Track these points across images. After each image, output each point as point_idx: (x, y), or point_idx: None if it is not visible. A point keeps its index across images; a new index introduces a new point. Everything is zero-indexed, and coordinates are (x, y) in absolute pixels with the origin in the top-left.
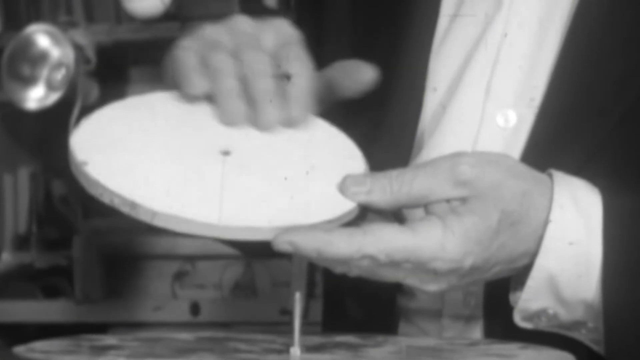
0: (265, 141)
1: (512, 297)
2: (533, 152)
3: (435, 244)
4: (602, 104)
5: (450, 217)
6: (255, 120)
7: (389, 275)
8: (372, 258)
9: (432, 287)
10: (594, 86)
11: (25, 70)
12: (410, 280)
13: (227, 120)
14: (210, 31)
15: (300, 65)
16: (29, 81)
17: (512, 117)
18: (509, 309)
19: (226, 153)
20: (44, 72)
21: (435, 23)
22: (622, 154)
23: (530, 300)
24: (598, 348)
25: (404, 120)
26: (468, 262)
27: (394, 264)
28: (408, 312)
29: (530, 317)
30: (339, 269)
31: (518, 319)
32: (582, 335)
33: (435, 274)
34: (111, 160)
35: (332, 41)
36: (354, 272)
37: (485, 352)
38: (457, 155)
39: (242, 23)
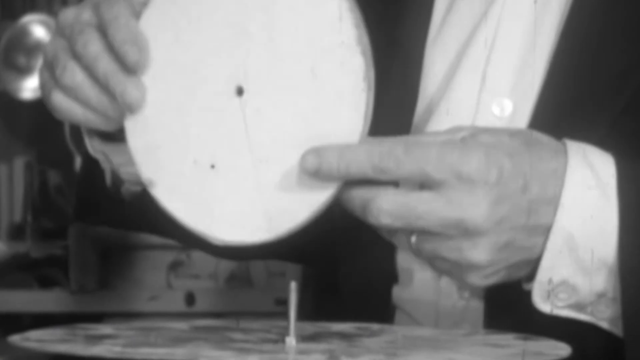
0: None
1: (527, 285)
2: None
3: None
4: (603, 93)
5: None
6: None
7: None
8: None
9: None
10: (594, 75)
11: (21, 60)
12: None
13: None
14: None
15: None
16: (25, 71)
17: (508, 106)
18: (510, 299)
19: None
20: (40, 62)
21: (431, 12)
22: (625, 145)
23: (550, 269)
24: (614, 328)
25: (400, 109)
26: (494, 172)
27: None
28: (404, 302)
29: (549, 293)
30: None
31: (537, 298)
32: (600, 314)
33: (469, 181)
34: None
35: None
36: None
37: (481, 342)
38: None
39: None
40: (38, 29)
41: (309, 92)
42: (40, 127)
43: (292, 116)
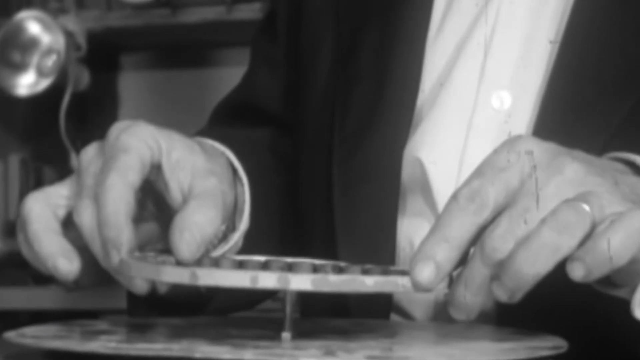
0: None
1: (616, 291)
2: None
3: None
4: (613, 88)
5: None
6: None
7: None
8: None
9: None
10: (602, 68)
11: (16, 56)
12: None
13: None
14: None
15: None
16: (20, 67)
17: (507, 99)
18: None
19: None
20: (35, 59)
21: (431, 8)
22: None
23: None
24: None
25: (401, 105)
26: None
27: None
28: (399, 297)
29: None
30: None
31: (637, 306)
32: None
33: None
34: None
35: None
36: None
37: (478, 337)
38: None
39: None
40: (33, 26)
41: None
42: (35, 123)
43: None
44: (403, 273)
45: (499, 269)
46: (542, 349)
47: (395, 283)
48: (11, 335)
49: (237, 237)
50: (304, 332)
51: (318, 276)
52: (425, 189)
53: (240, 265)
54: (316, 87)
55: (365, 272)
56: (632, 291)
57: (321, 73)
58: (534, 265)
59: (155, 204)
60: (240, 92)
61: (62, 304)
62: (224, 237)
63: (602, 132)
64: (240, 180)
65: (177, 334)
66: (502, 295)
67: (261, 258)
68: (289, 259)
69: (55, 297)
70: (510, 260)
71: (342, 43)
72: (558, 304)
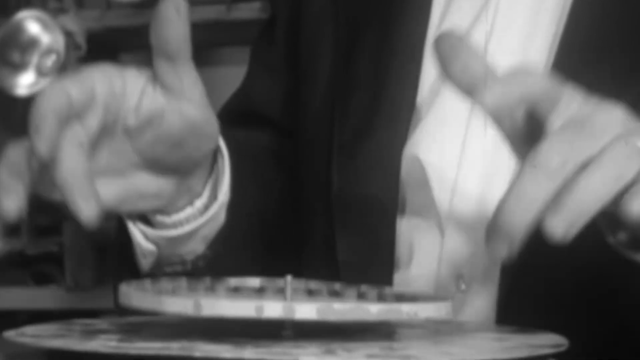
0: None
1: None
2: None
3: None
4: (615, 81)
5: None
6: None
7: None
8: None
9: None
10: (604, 62)
11: (15, 56)
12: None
13: None
14: None
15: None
16: (19, 67)
17: None
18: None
19: None
20: (34, 59)
21: (430, 9)
22: None
23: None
24: None
25: (400, 106)
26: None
27: None
28: None
29: None
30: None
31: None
32: None
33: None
34: None
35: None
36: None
37: (478, 335)
38: None
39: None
40: (32, 25)
41: None
42: None
43: None
44: (399, 297)
45: (555, 199)
46: (542, 347)
47: (399, 311)
48: (11, 334)
49: (216, 207)
50: (304, 331)
51: (323, 305)
52: (424, 187)
53: (236, 290)
54: (316, 89)
55: (362, 295)
56: None
57: (321, 75)
58: (597, 192)
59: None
60: (239, 97)
61: (62, 303)
62: (205, 209)
63: None
64: (220, 151)
65: (176, 333)
66: (559, 229)
67: (255, 281)
68: (281, 281)
69: (55, 297)
70: (572, 185)
71: (342, 44)
72: (559, 302)
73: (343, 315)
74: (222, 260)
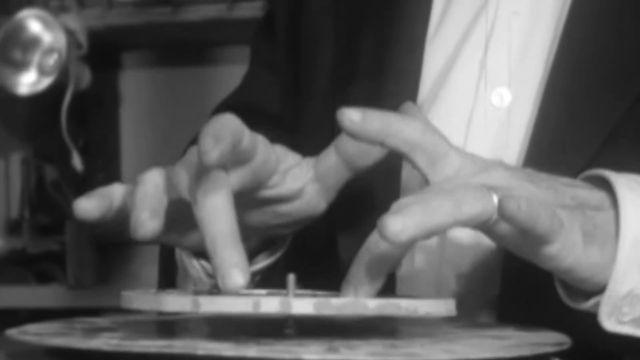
0: None
1: (584, 305)
2: (541, 133)
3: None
4: (614, 83)
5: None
6: None
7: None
8: None
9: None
10: (603, 63)
11: (17, 55)
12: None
13: None
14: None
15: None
16: (21, 66)
17: (507, 96)
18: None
19: None
20: (36, 57)
21: (430, 7)
22: (637, 139)
23: (619, 282)
24: None
25: (401, 100)
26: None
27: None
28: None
29: (614, 310)
30: None
31: (604, 315)
32: None
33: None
34: None
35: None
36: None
37: (480, 334)
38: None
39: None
40: (34, 24)
41: None
42: (36, 122)
43: None
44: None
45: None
46: (545, 345)
47: (397, 306)
48: (13, 332)
49: (278, 254)
50: (306, 329)
51: (320, 300)
52: (424, 186)
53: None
54: (316, 87)
55: None
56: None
57: (321, 73)
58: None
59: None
60: (240, 94)
61: (64, 302)
62: (271, 252)
63: (602, 127)
64: None
65: (179, 331)
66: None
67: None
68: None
69: (57, 295)
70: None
71: (342, 42)
72: (561, 300)
73: (340, 309)
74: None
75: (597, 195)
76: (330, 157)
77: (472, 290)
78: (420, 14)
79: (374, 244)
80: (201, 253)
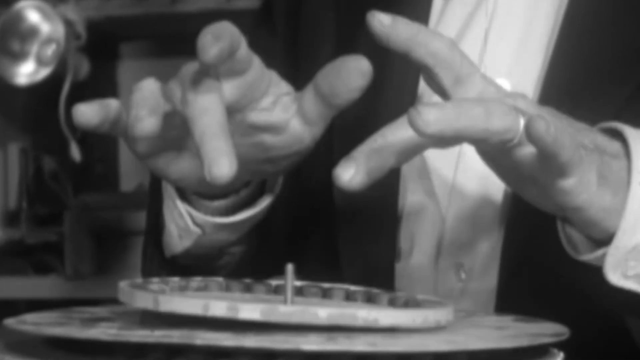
0: None
1: (589, 256)
2: None
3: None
4: (613, 72)
5: None
6: None
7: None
8: None
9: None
10: (603, 52)
11: (15, 45)
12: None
13: None
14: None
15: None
16: (19, 57)
17: (506, 86)
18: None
19: None
20: (34, 48)
21: (430, 3)
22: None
23: (627, 233)
24: None
25: (402, 91)
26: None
27: None
28: (402, 285)
29: (620, 262)
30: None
31: (609, 266)
32: None
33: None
34: None
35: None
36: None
37: (479, 324)
38: None
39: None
40: (33, 14)
41: None
42: (35, 113)
43: None
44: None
45: None
46: (543, 335)
47: (353, 316)
48: (11, 322)
49: (267, 201)
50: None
51: (267, 306)
52: (423, 178)
53: (276, 290)
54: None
55: (371, 298)
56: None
57: (321, 64)
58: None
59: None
60: None
61: (62, 292)
62: (252, 201)
63: (602, 117)
64: None
65: (177, 321)
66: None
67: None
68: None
69: (55, 286)
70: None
71: (342, 33)
72: (559, 290)
73: (288, 317)
74: (247, 256)
75: (614, 145)
76: (309, 94)
77: (470, 281)
78: (420, 6)
79: (392, 131)
80: (188, 200)
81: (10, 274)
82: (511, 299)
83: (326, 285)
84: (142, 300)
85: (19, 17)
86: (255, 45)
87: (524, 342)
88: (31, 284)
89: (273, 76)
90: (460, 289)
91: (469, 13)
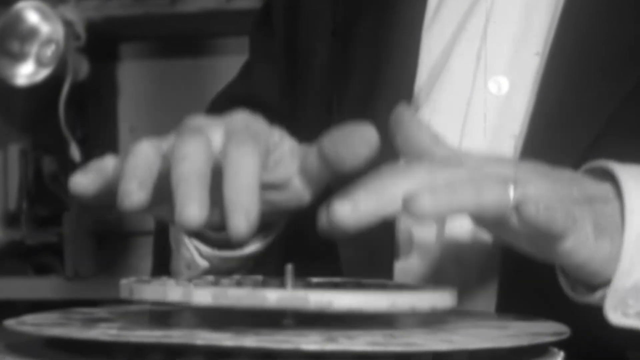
0: None
1: (588, 298)
2: (539, 121)
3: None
4: (612, 71)
5: None
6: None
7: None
8: None
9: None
10: (601, 51)
11: (15, 46)
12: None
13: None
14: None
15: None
16: (19, 57)
17: (504, 84)
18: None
19: None
20: (34, 48)
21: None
22: (635, 126)
23: (625, 274)
24: None
25: (397, 92)
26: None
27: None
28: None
29: (619, 303)
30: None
31: (609, 307)
32: None
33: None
34: None
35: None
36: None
37: (479, 324)
38: None
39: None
40: (32, 15)
41: None
42: (34, 113)
43: None
44: (399, 287)
45: None
46: (544, 335)
47: (305, 299)
48: (11, 323)
49: (273, 236)
50: (305, 319)
51: (218, 290)
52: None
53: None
54: (314, 77)
55: (361, 286)
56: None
57: (319, 63)
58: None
59: None
60: (238, 85)
61: (62, 293)
62: (264, 236)
63: (600, 115)
64: None
65: (177, 321)
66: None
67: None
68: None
69: (55, 287)
70: None
71: (339, 31)
72: (559, 290)
73: (238, 300)
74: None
75: (604, 187)
76: (312, 156)
77: (471, 280)
78: (417, 2)
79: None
80: (195, 234)
81: (11, 275)
82: (511, 298)
83: (365, 281)
84: (121, 291)
85: (18, 18)
86: (255, 45)
87: (524, 341)
88: (31, 284)
89: (276, 136)
90: (461, 287)
91: (465, 10)
